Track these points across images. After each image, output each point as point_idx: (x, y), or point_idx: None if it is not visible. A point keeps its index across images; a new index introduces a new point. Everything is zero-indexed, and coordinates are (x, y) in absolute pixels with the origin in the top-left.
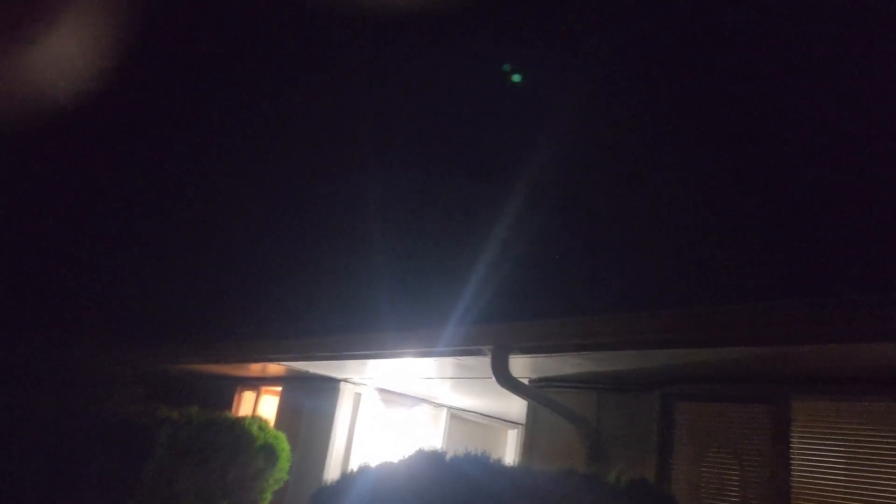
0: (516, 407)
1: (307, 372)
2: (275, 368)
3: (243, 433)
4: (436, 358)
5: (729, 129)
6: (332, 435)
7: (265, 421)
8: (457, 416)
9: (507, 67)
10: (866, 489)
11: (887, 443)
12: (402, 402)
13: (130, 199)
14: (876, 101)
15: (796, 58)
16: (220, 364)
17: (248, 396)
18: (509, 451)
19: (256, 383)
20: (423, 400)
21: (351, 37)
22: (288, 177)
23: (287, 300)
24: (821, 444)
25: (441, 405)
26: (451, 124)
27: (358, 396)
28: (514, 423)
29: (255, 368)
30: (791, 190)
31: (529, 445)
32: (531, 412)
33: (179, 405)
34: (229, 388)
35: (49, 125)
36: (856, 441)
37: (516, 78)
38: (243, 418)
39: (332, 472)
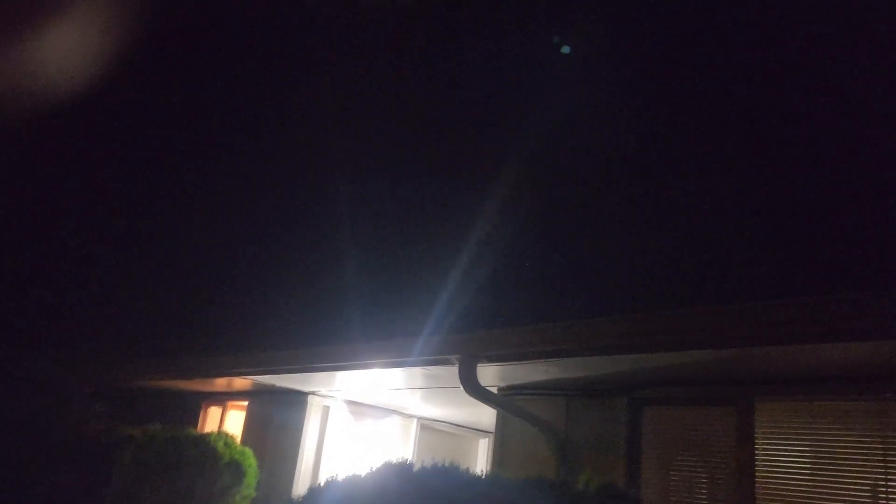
0: (487, 416)
1: (274, 385)
2: (241, 383)
3: (208, 450)
4: (404, 368)
5: (688, 136)
6: (301, 449)
7: (231, 437)
8: (427, 427)
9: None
10: (831, 487)
11: (851, 441)
12: (371, 413)
13: (90, 214)
14: (832, 104)
15: (762, 54)
16: (185, 380)
17: (213, 412)
18: (481, 461)
19: (222, 398)
20: (393, 411)
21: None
22: (253, 190)
23: (253, 313)
24: (785, 444)
25: (411, 416)
26: (418, 138)
27: (326, 409)
28: (486, 433)
29: (221, 383)
30: (752, 194)
31: (499, 454)
32: (500, 421)
33: (143, 422)
34: (194, 404)
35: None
36: (820, 440)
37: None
38: (209, 434)
39: (300, 487)
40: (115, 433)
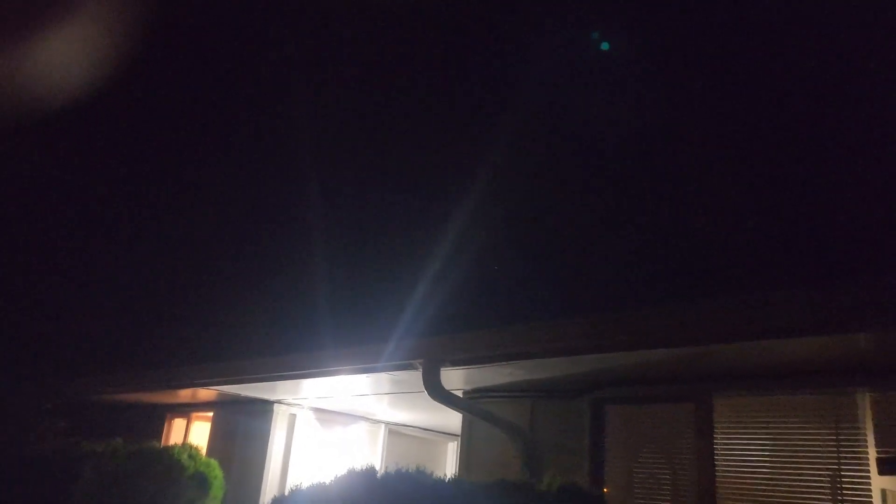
0: (455, 420)
1: (239, 395)
2: (205, 394)
3: (172, 463)
4: (370, 374)
5: (641, 137)
6: (268, 459)
7: (196, 449)
8: (395, 432)
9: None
10: (788, 478)
11: (806, 434)
12: (339, 420)
13: (45, 226)
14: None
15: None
16: (148, 392)
17: (178, 424)
18: (450, 465)
19: (187, 410)
20: (361, 417)
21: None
22: (214, 196)
23: (216, 322)
24: (743, 439)
25: (379, 421)
26: (381, 144)
27: (293, 417)
28: (455, 436)
29: (185, 394)
30: (705, 195)
31: (466, 457)
32: (466, 424)
33: (105, 437)
34: (158, 417)
35: None
36: (776, 433)
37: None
38: (172, 447)
39: (268, 497)
40: (75, 449)
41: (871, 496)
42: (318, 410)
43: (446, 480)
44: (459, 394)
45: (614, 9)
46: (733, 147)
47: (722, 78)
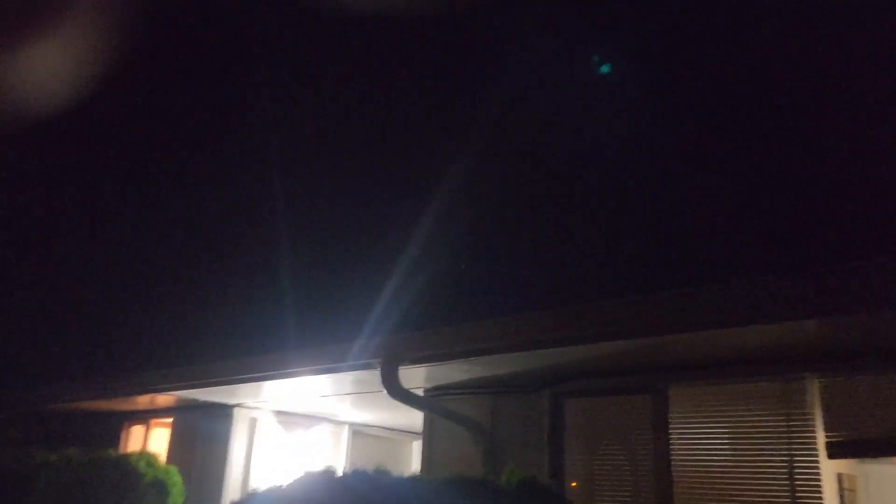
0: (420, 418)
1: (198, 400)
2: (164, 399)
3: (129, 470)
4: (330, 375)
5: (595, 131)
6: (228, 464)
7: (154, 456)
8: (359, 433)
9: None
10: (744, 465)
11: (757, 420)
12: (301, 422)
13: None
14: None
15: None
16: (104, 399)
17: (136, 431)
18: (415, 463)
19: (145, 416)
20: (324, 419)
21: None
22: (168, 191)
23: (173, 326)
24: (699, 428)
25: (342, 422)
26: (337, 141)
27: (254, 421)
28: (419, 435)
29: (143, 401)
30: (654, 185)
31: (428, 455)
32: (427, 422)
33: (60, 447)
34: (115, 425)
35: None
36: (729, 421)
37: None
38: (130, 454)
39: (228, 502)
40: (29, 459)
41: (820, 479)
42: (279, 413)
43: (405, 479)
44: (420, 392)
45: None
46: (686, 142)
47: (682, 62)
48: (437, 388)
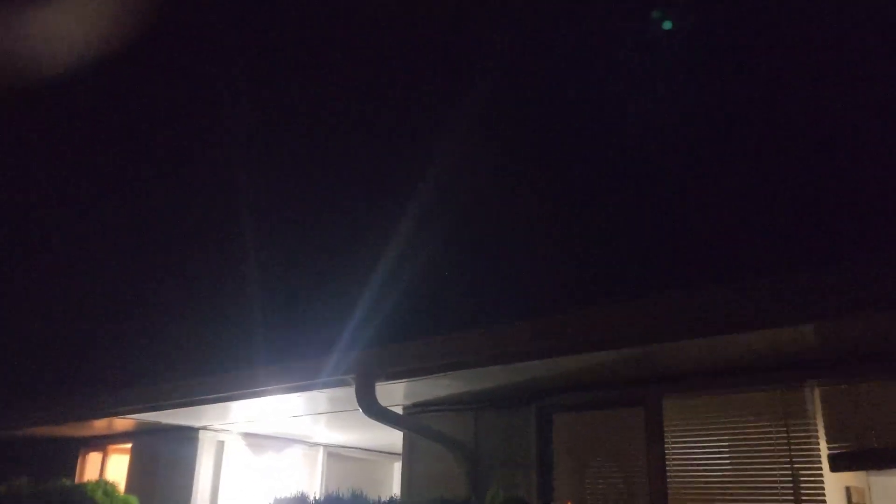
0: (399, 438)
1: (160, 423)
2: (122, 423)
3: (85, 501)
4: (301, 393)
5: (575, 140)
6: (194, 491)
7: (112, 484)
8: (335, 455)
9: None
10: (744, 478)
11: (756, 430)
12: (272, 445)
13: None
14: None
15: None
16: (58, 425)
17: (93, 458)
18: (396, 486)
19: (103, 442)
20: (297, 441)
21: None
22: (127, 200)
23: (131, 345)
24: (696, 442)
25: (317, 444)
26: (310, 152)
27: (221, 444)
28: (399, 456)
29: (100, 425)
30: (639, 189)
31: (408, 477)
32: (407, 442)
33: (10, 477)
34: (70, 452)
35: None
36: (726, 431)
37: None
38: (85, 484)
39: None
40: None
41: (824, 492)
42: (248, 435)
43: (384, 503)
44: (399, 409)
45: None
46: (668, 146)
47: (660, 63)
48: (416, 405)
